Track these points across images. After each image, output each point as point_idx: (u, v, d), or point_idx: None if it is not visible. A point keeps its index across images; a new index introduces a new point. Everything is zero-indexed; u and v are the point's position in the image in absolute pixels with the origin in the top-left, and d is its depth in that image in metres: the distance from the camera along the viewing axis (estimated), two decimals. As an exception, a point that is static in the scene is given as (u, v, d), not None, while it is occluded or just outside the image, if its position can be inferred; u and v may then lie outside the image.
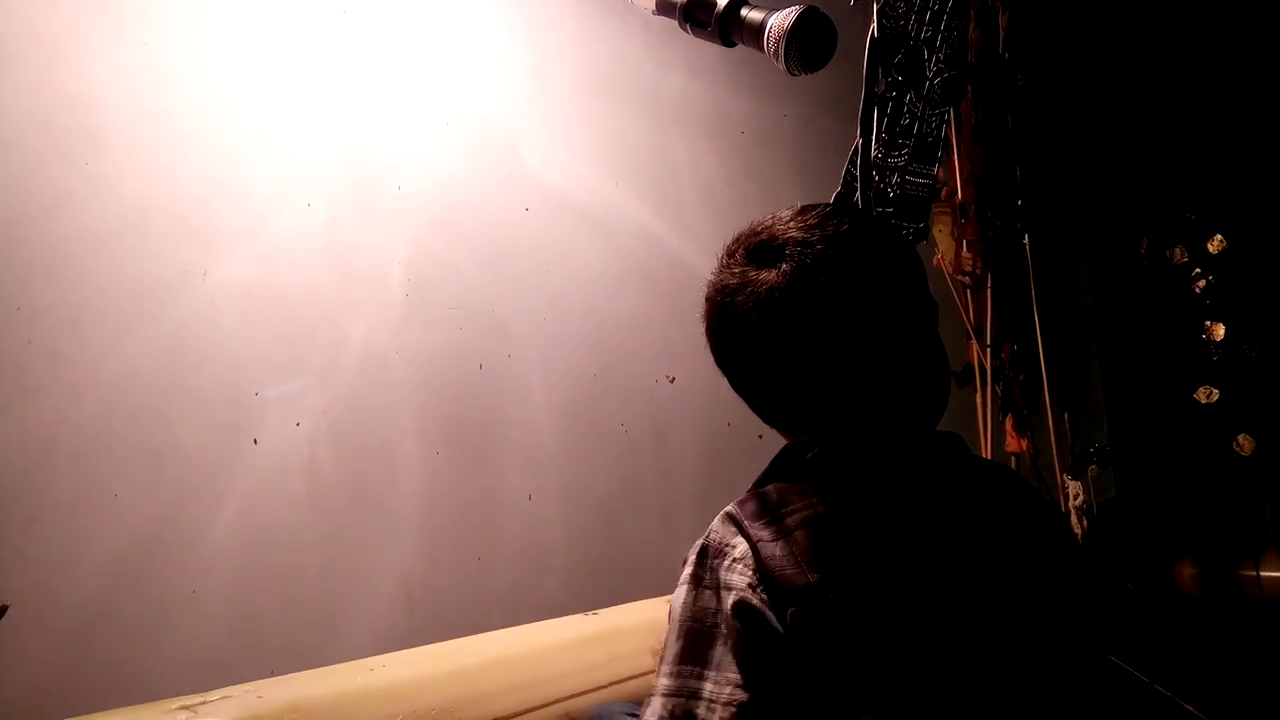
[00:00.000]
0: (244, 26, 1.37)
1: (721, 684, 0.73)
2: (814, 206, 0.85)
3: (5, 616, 1.11)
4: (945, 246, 1.97)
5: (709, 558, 0.78)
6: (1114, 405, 2.37)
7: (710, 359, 0.89)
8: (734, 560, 0.76)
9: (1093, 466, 2.10)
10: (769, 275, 0.81)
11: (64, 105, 1.22)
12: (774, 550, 0.75)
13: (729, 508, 0.81)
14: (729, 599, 0.74)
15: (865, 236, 0.83)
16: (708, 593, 0.77)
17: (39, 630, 1.14)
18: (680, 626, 0.76)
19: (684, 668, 0.75)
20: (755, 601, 0.73)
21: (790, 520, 0.77)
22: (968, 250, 1.99)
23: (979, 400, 2.02)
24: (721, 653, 0.74)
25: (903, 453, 0.84)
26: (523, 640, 1.30)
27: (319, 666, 1.20)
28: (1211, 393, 2.14)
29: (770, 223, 0.84)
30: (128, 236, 1.25)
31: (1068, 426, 2.11)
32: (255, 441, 1.32)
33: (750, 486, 0.85)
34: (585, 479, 1.65)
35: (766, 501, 0.80)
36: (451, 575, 1.48)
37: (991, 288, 2.03)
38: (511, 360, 1.59)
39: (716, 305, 0.85)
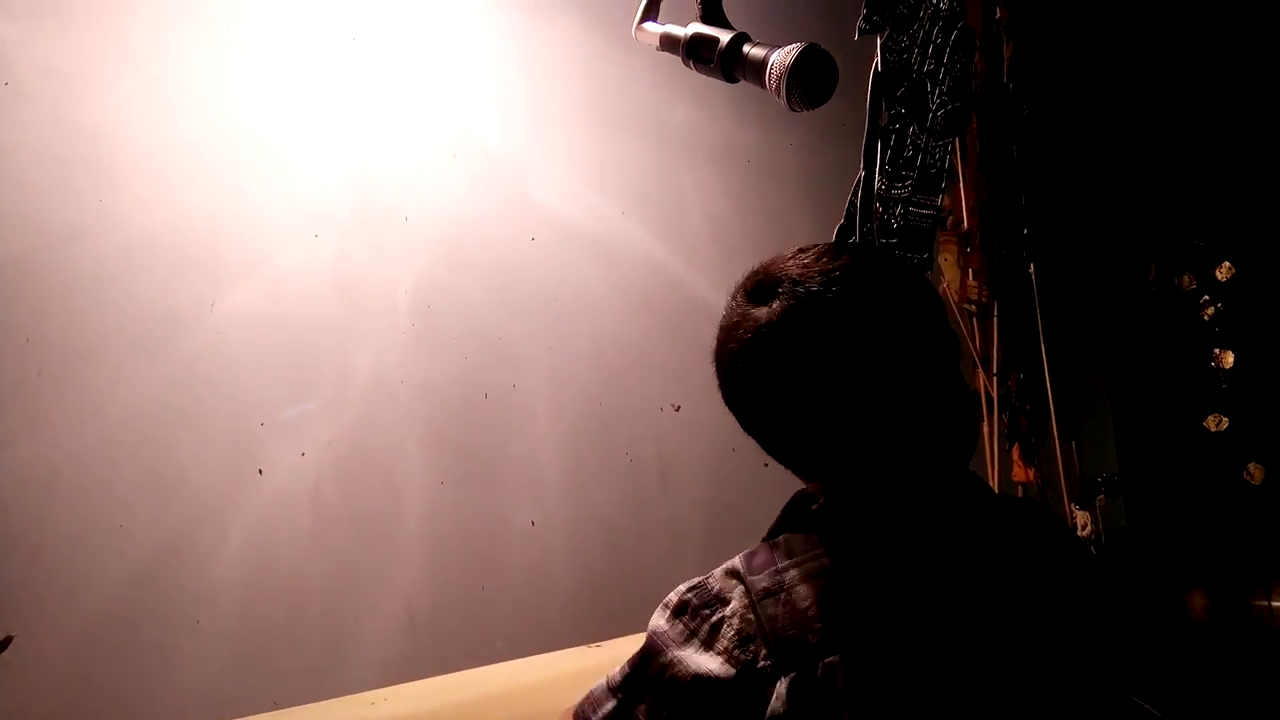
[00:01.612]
0: (253, 59, 1.39)
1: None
2: (816, 245, 0.84)
3: (10, 646, 1.11)
4: (951, 275, 1.98)
5: (695, 604, 0.77)
6: (1123, 434, 2.35)
7: (716, 387, 0.89)
8: (721, 618, 0.74)
9: (1100, 496, 2.09)
10: (762, 312, 0.80)
11: (76, 139, 1.24)
12: (775, 609, 0.72)
13: (736, 559, 0.78)
14: (692, 662, 0.73)
15: (865, 272, 0.80)
16: (680, 626, 0.76)
17: (43, 660, 1.14)
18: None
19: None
20: (721, 672, 0.72)
21: (793, 574, 0.74)
22: (973, 279, 2.00)
23: (986, 430, 2.01)
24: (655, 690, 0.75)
25: (914, 500, 0.80)
26: (525, 673, 1.29)
27: (323, 697, 1.20)
28: (1221, 421, 2.12)
29: (770, 261, 0.84)
30: (137, 268, 1.27)
31: (1075, 455, 2.10)
32: (261, 471, 1.33)
33: (762, 538, 0.82)
34: (590, 508, 1.65)
35: (774, 553, 0.77)
36: (456, 604, 1.48)
37: (998, 316, 2.03)
38: (517, 389, 1.60)
39: (719, 344, 0.85)
